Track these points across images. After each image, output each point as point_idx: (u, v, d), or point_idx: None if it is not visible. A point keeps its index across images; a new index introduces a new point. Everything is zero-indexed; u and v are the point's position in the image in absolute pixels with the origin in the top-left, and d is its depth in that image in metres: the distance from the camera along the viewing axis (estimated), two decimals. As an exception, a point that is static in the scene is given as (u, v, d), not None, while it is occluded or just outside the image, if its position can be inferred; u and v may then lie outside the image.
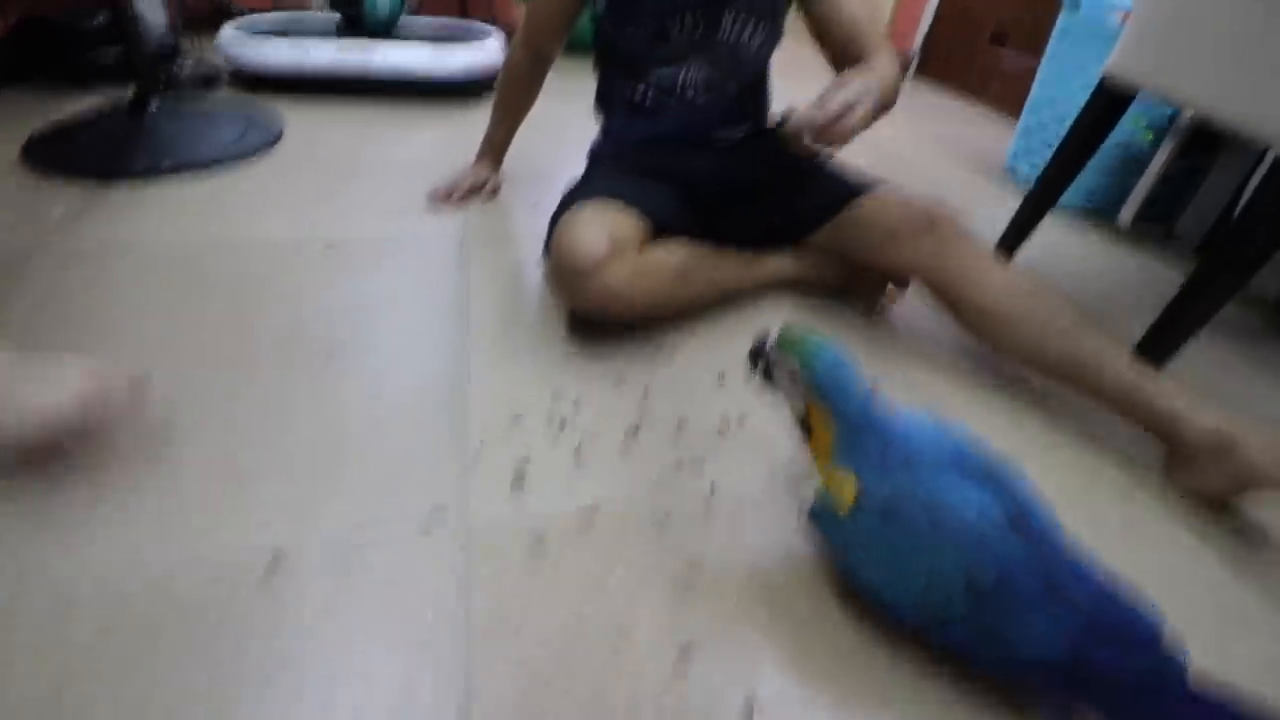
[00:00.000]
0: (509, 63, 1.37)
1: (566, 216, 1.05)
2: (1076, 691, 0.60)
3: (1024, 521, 0.63)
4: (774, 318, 1.20)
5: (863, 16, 1.15)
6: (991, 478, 0.66)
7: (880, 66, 1.07)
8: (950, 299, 1.08)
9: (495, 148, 1.52)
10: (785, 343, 0.68)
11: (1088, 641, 0.58)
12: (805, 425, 0.69)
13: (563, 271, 1.00)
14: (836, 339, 0.69)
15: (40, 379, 0.70)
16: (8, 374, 0.69)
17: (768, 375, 0.71)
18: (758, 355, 0.70)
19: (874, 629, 0.69)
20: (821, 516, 0.69)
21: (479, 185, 1.50)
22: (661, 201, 1.12)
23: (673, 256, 1.09)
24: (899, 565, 0.63)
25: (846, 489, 0.65)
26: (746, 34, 1.16)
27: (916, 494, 0.63)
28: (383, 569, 0.70)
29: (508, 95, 1.42)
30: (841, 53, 1.15)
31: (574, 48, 1.42)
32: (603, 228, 1.01)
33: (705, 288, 1.14)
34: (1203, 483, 0.89)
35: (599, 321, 1.06)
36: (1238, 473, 0.85)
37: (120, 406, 0.73)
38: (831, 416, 0.66)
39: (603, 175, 1.18)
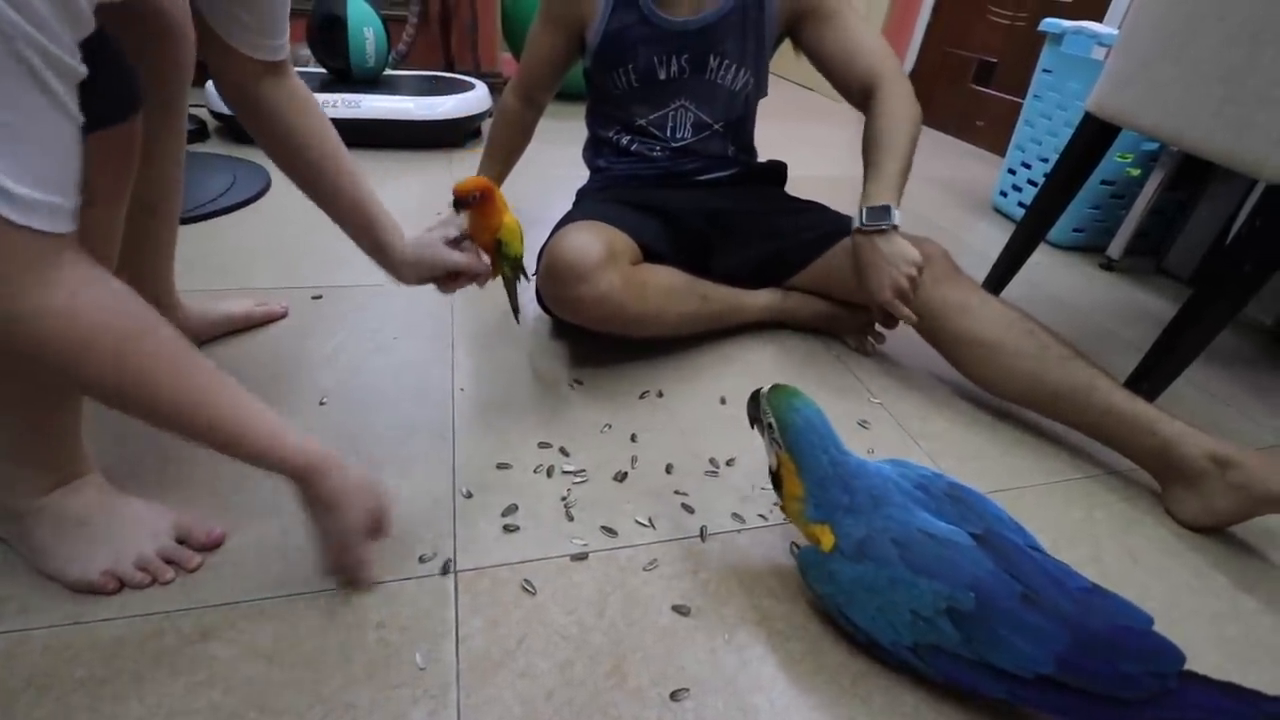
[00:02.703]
0: (501, 110, 1.39)
1: (559, 231, 1.04)
2: (1070, 707, 0.59)
3: (992, 537, 0.65)
4: (761, 359, 1.19)
5: (859, 46, 1.13)
6: (956, 500, 0.68)
7: (889, 129, 1.07)
8: (942, 333, 1.07)
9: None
10: (770, 399, 0.72)
11: (1076, 650, 0.58)
12: (776, 479, 0.73)
13: (557, 276, 0.99)
14: (814, 402, 0.72)
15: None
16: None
17: (756, 422, 0.75)
18: (754, 403, 0.74)
19: (868, 664, 0.68)
20: (808, 569, 0.71)
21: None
22: (650, 232, 1.12)
23: (663, 273, 1.09)
24: (883, 602, 0.64)
25: (825, 539, 0.68)
26: (731, 76, 1.17)
27: (888, 531, 0.65)
28: (373, 611, 0.69)
29: (499, 142, 1.43)
30: (843, 79, 1.15)
31: (564, 95, 1.43)
32: (598, 236, 1.00)
33: (696, 307, 1.14)
34: (1207, 507, 0.87)
35: (591, 334, 1.05)
36: (1242, 493, 0.84)
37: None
38: (799, 474, 0.69)
39: (592, 204, 1.18)
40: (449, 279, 0.88)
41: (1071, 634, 0.58)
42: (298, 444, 0.64)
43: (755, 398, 0.74)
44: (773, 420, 0.70)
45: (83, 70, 0.47)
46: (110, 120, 0.58)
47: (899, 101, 1.09)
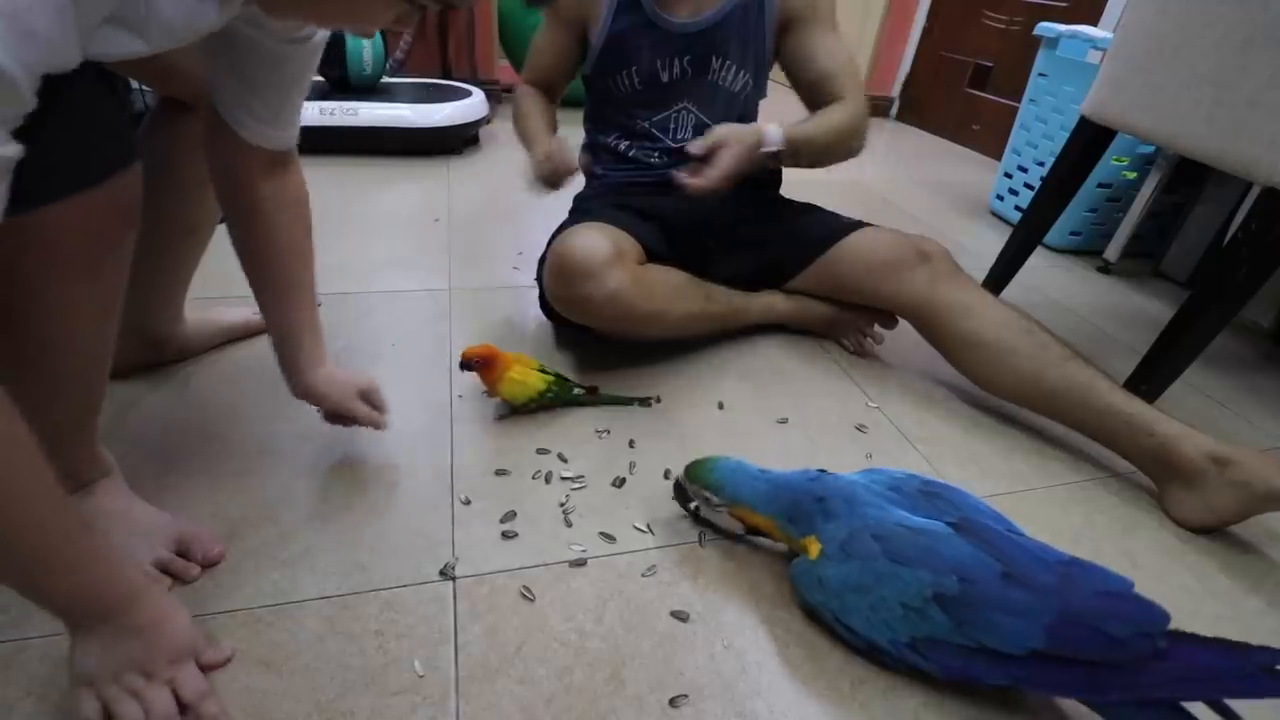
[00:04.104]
0: (519, 95, 1.26)
1: (566, 231, 1.04)
2: (1069, 681, 0.60)
3: (968, 524, 0.66)
4: (758, 364, 1.19)
5: (834, 61, 1.14)
6: (929, 495, 0.70)
7: (830, 113, 1.11)
8: (943, 332, 1.07)
9: (545, 130, 1.21)
10: (690, 477, 0.78)
11: (1063, 620, 0.59)
12: (753, 530, 0.77)
13: (565, 275, 0.98)
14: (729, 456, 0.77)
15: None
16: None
17: (703, 520, 0.81)
18: (680, 492, 0.80)
19: (868, 669, 0.68)
20: (799, 579, 0.72)
21: (561, 153, 1.13)
22: (651, 235, 1.12)
23: (669, 273, 1.10)
24: (873, 599, 0.65)
25: (812, 549, 0.69)
26: (731, 77, 1.17)
27: (867, 528, 0.67)
28: (372, 618, 0.69)
29: (529, 111, 1.23)
30: (811, 94, 1.18)
31: (564, 102, 1.42)
32: (605, 235, 1.00)
33: (702, 306, 1.14)
34: (1206, 506, 0.87)
35: (592, 341, 1.05)
36: (1243, 490, 0.84)
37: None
38: (757, 510, 0.73)
39: (592, 209, 1.18)
40: (337, 416, 0.87)
41: (1057, 606, 0.59)
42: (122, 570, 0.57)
43: (678, 488, 0.80)
44: (704, 489, 0.76)
45: (10, 152, 0.42)
46: (79, 185, 0.51)
47: (852, 110, 1.12)
